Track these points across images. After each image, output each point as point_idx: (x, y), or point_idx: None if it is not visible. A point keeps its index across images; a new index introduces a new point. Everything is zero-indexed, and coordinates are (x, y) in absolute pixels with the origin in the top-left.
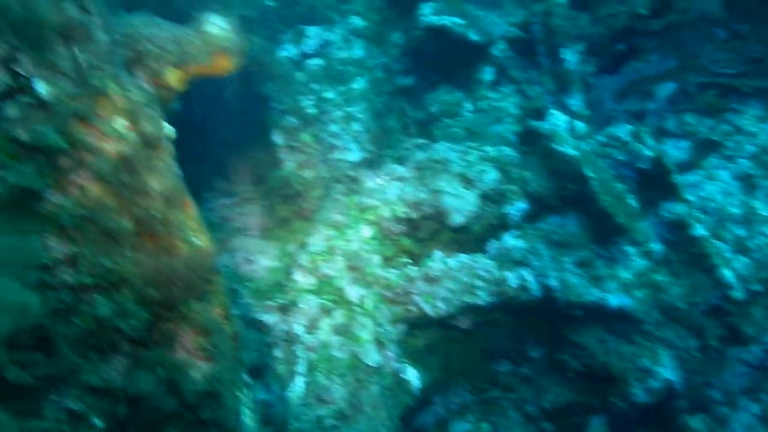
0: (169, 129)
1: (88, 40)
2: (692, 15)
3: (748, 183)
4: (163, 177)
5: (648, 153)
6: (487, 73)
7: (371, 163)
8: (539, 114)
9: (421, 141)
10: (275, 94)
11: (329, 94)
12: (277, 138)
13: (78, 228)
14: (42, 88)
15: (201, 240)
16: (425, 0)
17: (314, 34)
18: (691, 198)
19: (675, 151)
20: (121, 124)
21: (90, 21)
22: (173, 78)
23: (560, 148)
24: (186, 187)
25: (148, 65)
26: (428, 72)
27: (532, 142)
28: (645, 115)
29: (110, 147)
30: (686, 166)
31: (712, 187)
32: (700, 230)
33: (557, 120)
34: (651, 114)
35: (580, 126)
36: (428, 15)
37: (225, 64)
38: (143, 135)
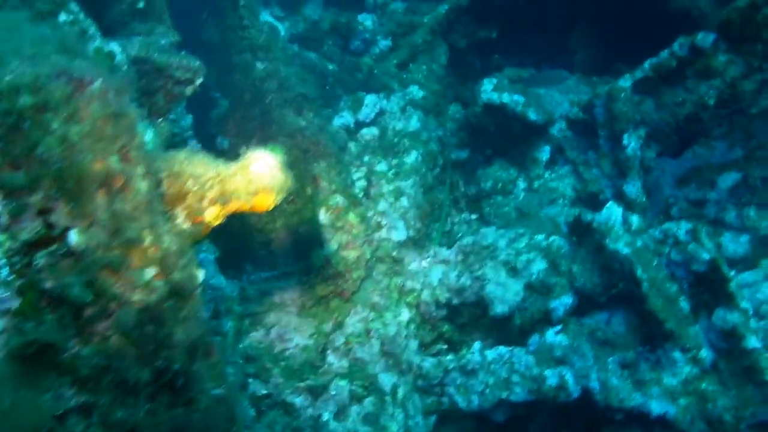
0: (200, 274)
1: (127, 190)
2: (763, 105)
3: None
4: (188, 327)
5: (705, 256)
6: (544, 152)
7: (416, 242)
8: (595, 198)
9: (471, 217)
10: (326, 173)
11: (381, 167)
12: (323, 217)
13: (95, 378)
14: (75, 238)
15: (221, 389)
16: (488, 75)
17: (371, 103)
18: (745, 305)
19: (733, 245)
20: (151, 273)
21: (131, 171)
22: (212, 215)
23: (613, 246)
24: (211, 335)
25: (190, 205)
26: (484, 146)
27: (584, 233)
28: (705, 204)
29: (137, 297)
30: (744, 263)
31: None
32: (753, 342)
33: (612, 212)
34: (711, 204)
35: (636, 220)
36: (489, 92)
37: (266, 202)
38: (173, 284)
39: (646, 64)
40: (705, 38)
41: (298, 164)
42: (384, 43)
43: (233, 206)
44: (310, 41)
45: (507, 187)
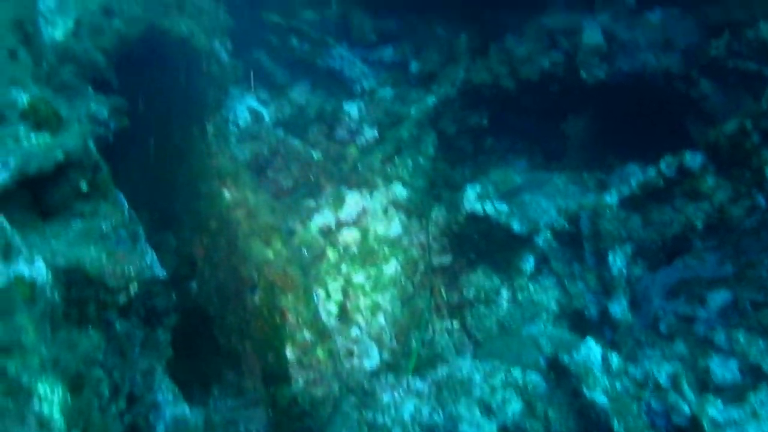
0: None
1: None
2: (754, 222)
3: None
4: None
5: (686, 410)
6: (528, 263)
7: (391, 366)
8: (579, 315)
9: (453, 325)
10: (293, 307)
11: (359, 278)
12: (290, 354)
13: None
14: None
15: None
16: (471, 180)
17: (353, 201)
18: None
19: (721, 369)
20: None
21: None
22: None
23: (590, 395)
24: None
25: None
26: (467, 251)
27: (562, 374)
28: (694, 320)
29: None
30: (732, 391)
31: (754, 430)
32: None
33: (590, 352)
34: (700, 321)
35: (615, 360)
36: (472, 200)
37: None
38: None
39: (633, 182)
40: (693, 159)
41: (266, 295)
42: (370, 133)
43: None
44: (295, 127)
45: (490, 297)
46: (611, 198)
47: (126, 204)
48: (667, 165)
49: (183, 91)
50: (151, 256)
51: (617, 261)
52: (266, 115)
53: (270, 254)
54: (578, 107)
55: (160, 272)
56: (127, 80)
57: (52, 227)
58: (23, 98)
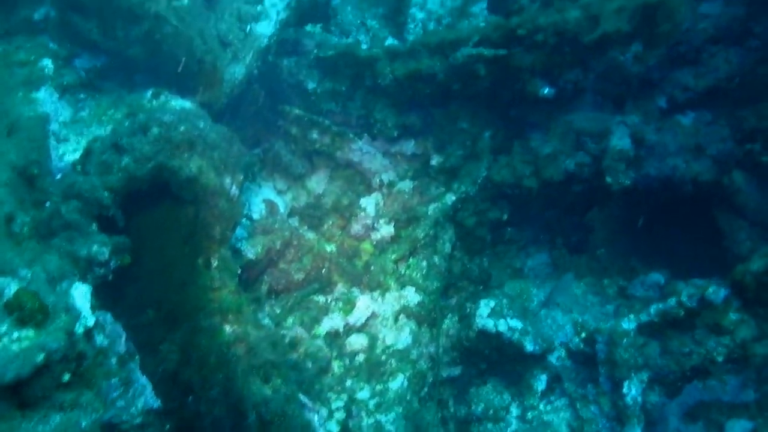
0: None
1: None
2: None
3: None
4: None
5: None
6: (540, 381)
7: None
8: None
9: None
10: None
11: (363, 394)
12: None
13: None
14: None
15: None
16: (486, 295)
17: (364, 305)
18: None
19: None
20: None
21: None
22: None
23: None
24: None
25: None
26: (478, 362)
27: None
28: None
29: None
30: None
31: None
32: None
33: None
34: None
35: None
36: (484, 317)
37: None
38: None
39: (652, 309)
40: (717, 292)
41: None
42: (386, 229)
43: None
44: (311, 218)
45: (499, 414)
46: (629, 324)
47: (124, 335)
48: (688, 296)
49: (189, 227)
50: (145, 392)
51: (632, 390)
52: (282, 205)
53: (268, 392)
54: (603, 202)
55: (155, 402)
56: (133, 217)
57: (28, 422)
58: (10, 288)
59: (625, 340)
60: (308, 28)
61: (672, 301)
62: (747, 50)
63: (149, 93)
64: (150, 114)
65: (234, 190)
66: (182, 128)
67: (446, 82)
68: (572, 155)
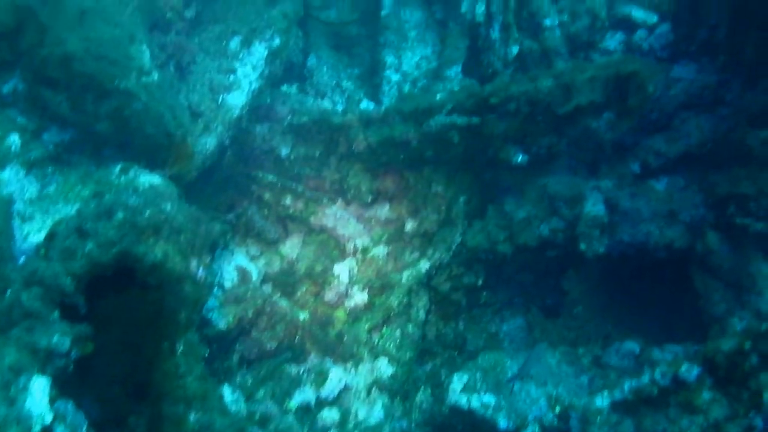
0: None
1: None
2: None
3: None
4: None
5: None
6: None
7: None
8: None
9: None
10: None
11: None
12: None
13: None
14: None
15: None
16: (460, 367)
17: (336, 378)
18: None
19: None
20: None
21: None
22: None
23: None
24: None
25: None
26: None
27: None
28: None
29: None
30: None
31: None
32: None
33: None
34: None
35: None
36: (457, 392)
37: None
38: None
39: (626, 386)
40: (690, 370)
41: None
42: (359, 297)
43: None
44: (284, 285)
45: None
46: (602, 401)
47: (86, 425)
48: (662, 374)
49: (154, 313)
50: None
51: None
52: (254, 271)
53: None
54: (578, 266)
55: None
56: (97, 303)
57: None
58: None
59: (598, 418)
60: (284, 88)
61: (645, 379)
62: (718, 118)
63: (118, 168)
64: (116, 196)
65: (200, 273)
66: (148, 213)
67: (420, 149)
68: (546, 220)
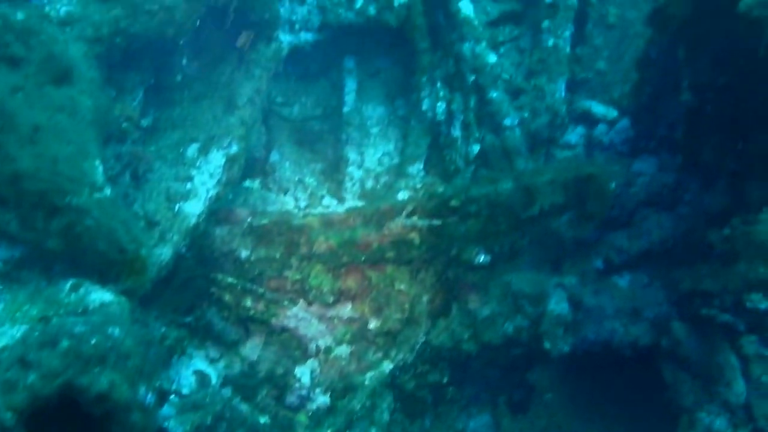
0: None
1: None
2: None
3: None
4: None
5: None
6: None
7: None
8: None
9: None
10: None
11: None
12: None
13: None
14: None
15: None
16: None
17: None
18: None
19: None
20: None
21: None
22: None
23: None
24: None
25: None
26: None
27: None
28: None
29: None
30: None
31: None
32: None
33: None
34: None
35: None
36: None
37: None
38: None
39: None
40: None
41: None
42: (322, 399)
43: None
44: (245, 388)
45: None
46: None
47: None
48: None
49: None
50: None
51: None
52: (214, 374)
53: None
54: (544, 362)
55: None
56: None
57: None
58: None
59: None
60: (246, 183)
61: None
62: (678, 216)
63: (68, 285)
64: (62, 322)
65: (149, 398)
66: (94, 340)
67: (382, 250)
68: (511, 318)
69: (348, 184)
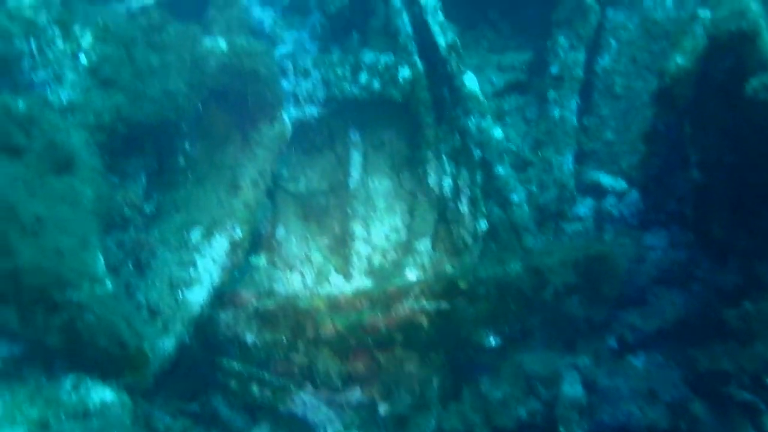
0: None
1: None
2: None
3: None
4: None
5: None
6: None
7: None
8: None
9: None
10: None
11: None
12: None
13: None
14: None
15: None
16: None
17: None
18: None
19: None
20: None
21: None
22: None
23: None
24: None
25: None
26: None
27: None
28: None
29: None
30: None
31: None
32: None
33: None
34: None
35: None
36: None
37: None
38: None
39: None
40: None
41: None
42: None
43: None
44: None
45: None
46: None
47: None
48: None
49: None
50: None
51: None
52: None
53: None
54: None
55: None
56: None
57: None
58: None
59: None
60: (252, 259)
61: None
62: (690, 294)
63: (69, 383)
64: (60, 428)
65: None
66: None
67: (390, 333)
68: (523, 401)
69: (355, 261)
